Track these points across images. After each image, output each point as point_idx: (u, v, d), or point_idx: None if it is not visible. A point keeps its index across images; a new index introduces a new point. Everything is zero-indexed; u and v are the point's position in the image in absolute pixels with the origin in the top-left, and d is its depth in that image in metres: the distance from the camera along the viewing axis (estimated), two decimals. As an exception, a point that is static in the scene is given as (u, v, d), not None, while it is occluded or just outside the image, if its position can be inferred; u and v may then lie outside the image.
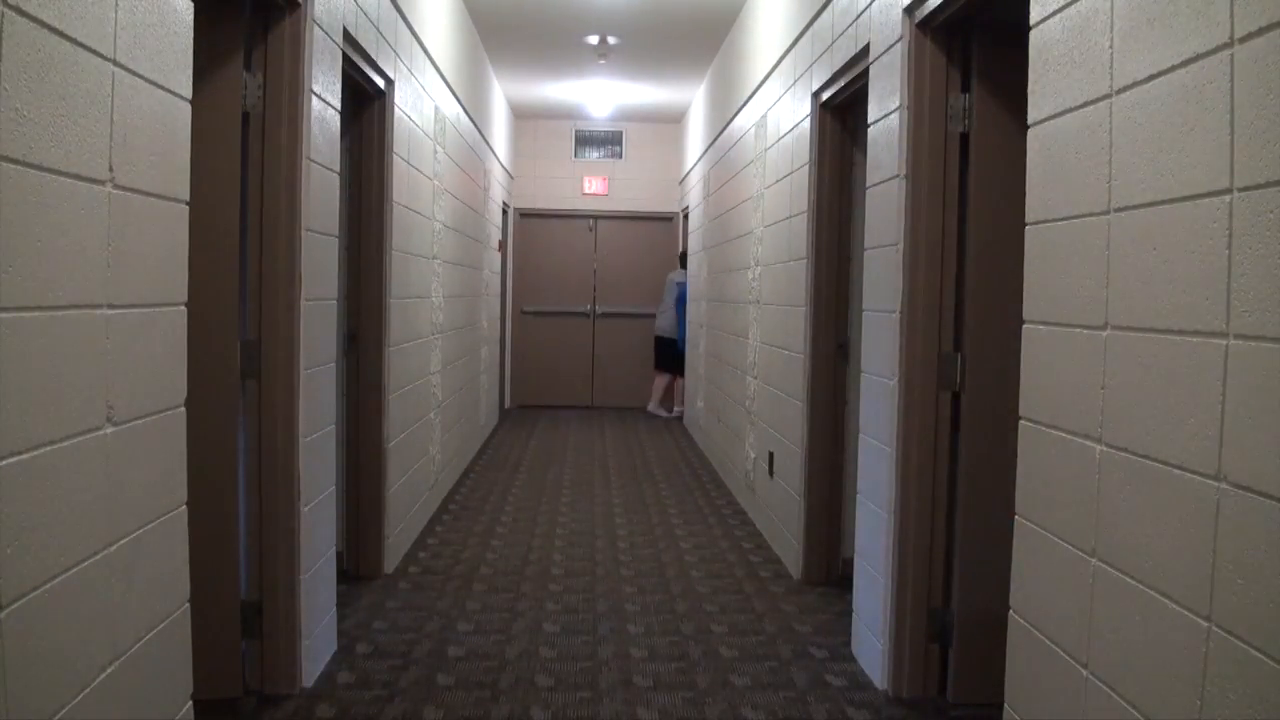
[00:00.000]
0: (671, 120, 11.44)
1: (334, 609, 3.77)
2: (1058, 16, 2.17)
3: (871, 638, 3.61)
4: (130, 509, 2.00)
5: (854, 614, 3.87)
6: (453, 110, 6.57)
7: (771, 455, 5.56)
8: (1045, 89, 2.24)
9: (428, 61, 5.55)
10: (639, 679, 3.58)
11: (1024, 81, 2.33)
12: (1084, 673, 2.02)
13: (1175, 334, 1.74)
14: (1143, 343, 1.84)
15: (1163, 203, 1.78)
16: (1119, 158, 1.92)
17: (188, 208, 2.25)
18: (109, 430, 1.90)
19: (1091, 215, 2.02)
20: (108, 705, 1.89)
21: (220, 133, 3.01)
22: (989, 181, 3.18)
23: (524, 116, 11.44)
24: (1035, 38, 2.29)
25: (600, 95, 10.09)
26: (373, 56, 4.15)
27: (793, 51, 5.15)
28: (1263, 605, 1.50)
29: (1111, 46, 1.95)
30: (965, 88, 3.25)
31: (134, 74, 1.96)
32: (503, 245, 10.44)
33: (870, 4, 3.68)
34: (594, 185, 11.71)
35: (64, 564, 1.74)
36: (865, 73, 3.78)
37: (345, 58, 3.75)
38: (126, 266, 1.95)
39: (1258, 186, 1.53)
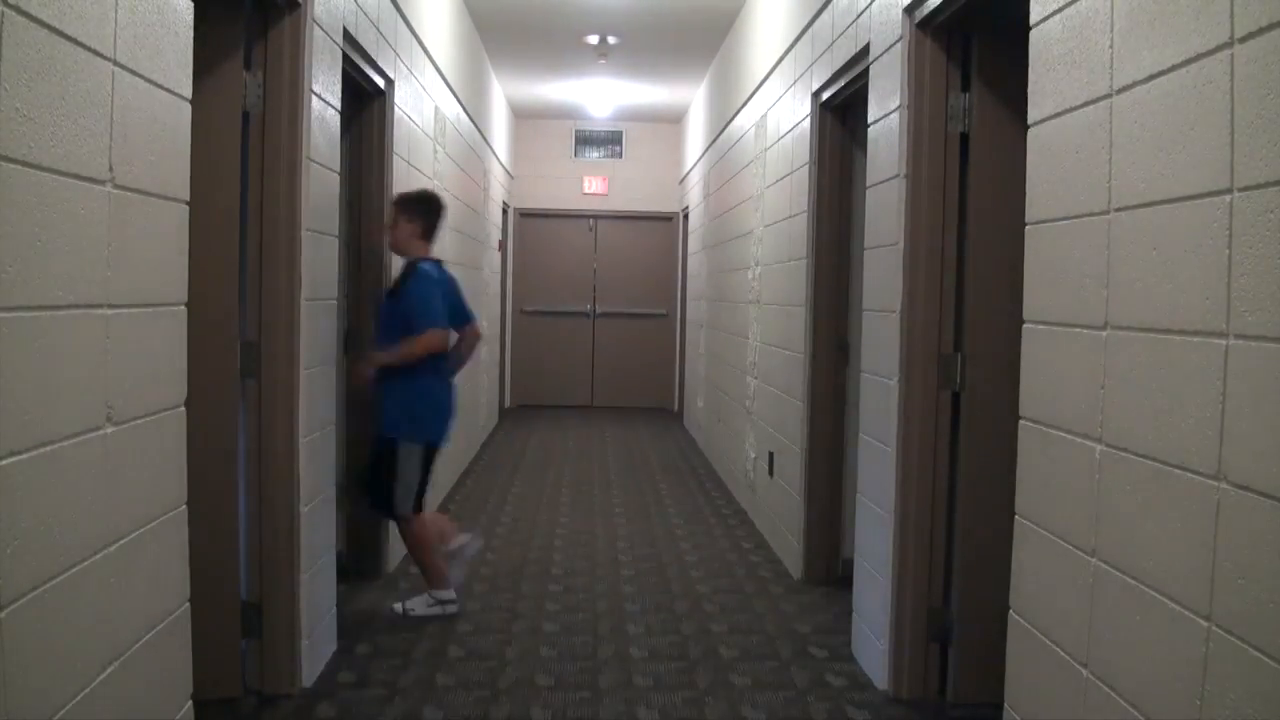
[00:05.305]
0: (671, 120, 11.43)
1: (334, 609, 3.77)
2: (1058, 16, 2.17)
3: (871, 638, 3.61)
4: (130, 509, 2.00)
5: (854, 614, 3.87)
6: (453, 110, 6.57)
7: (771, 455, 5.56)
8: (1045, 89, 2.24)
9: (428, 61, 5.55)
10: (639, 679, 3.58)
11: (1024, 81, 2.33)
12: (1084, 673, 2.01)
13: (1175, 334, 1.74)
14: (1143, 343, 1.84)
15: (1163, 203, 1.78)
16: (1119, 158, 1.92)
17: (188, 208, 2.25)
18: (109, 430, 1.90)
19: (1091, 215, 2.02)
20: (107, 705, 1.89)
21: (220, 133, 3.01)
22: (989, 181, 3.17)
23: (524, 116, 11.43)
24: (1035, 38, 2.29)
25: (600, 95, 10.08)
26: (373, 56, 4.15)
27: (793, 51, 5.14)
28: (1263, 605, 1.50)
29: (1111, 46, 1.95)
30: (965, 87, 3.25)
31: (134, 74, 1.95)
32: (503, 245, 10.43)
33: (870, 4, 3.67)
34: (594, 185, 11.70)
35: (64, 564, 1.74)
36: (865, 72, 3.78)
37: (345, 57, 3.75)
38: (126, 266, 1.95)
39: (1258, 186, 1.53)
